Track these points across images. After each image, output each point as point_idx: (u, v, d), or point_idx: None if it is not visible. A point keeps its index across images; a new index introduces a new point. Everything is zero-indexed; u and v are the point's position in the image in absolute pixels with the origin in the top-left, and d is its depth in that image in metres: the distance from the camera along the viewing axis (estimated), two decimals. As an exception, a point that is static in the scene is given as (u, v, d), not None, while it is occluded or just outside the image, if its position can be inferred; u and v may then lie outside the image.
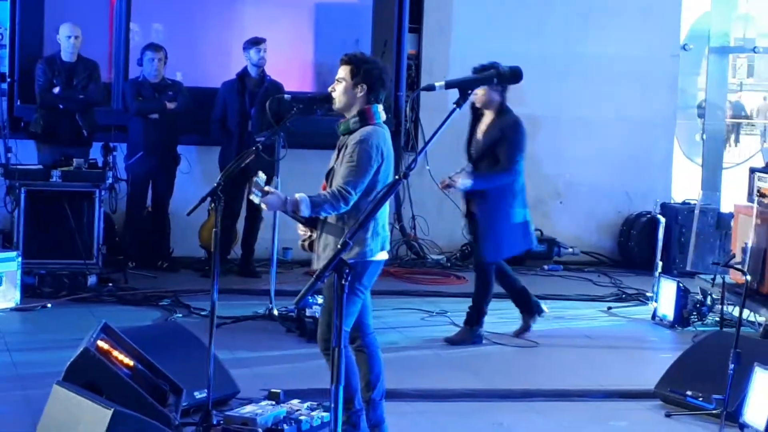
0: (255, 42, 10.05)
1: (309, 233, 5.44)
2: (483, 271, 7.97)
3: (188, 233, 10.28)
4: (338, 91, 5.36)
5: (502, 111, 7.80)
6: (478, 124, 7.85)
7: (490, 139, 7.70)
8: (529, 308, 8.22)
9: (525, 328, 8.22)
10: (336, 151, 5.38)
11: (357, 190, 5.20)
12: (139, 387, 5.40)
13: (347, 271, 3.68)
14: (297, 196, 5.20)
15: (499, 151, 7.66)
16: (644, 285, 9.92)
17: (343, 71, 5.35)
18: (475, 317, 7.98)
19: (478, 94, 7.70)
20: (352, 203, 5.20)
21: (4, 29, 10.28)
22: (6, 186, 9.32)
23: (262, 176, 5.36)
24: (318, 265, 5.36)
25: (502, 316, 9.03)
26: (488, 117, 7.82)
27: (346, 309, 5.22)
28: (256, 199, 5.26)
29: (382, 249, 5.35)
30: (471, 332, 7.98)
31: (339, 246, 3.68)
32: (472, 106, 7.81)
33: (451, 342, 7.95)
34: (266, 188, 5.27)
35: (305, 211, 5.18)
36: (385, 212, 5.44)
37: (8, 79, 10.29)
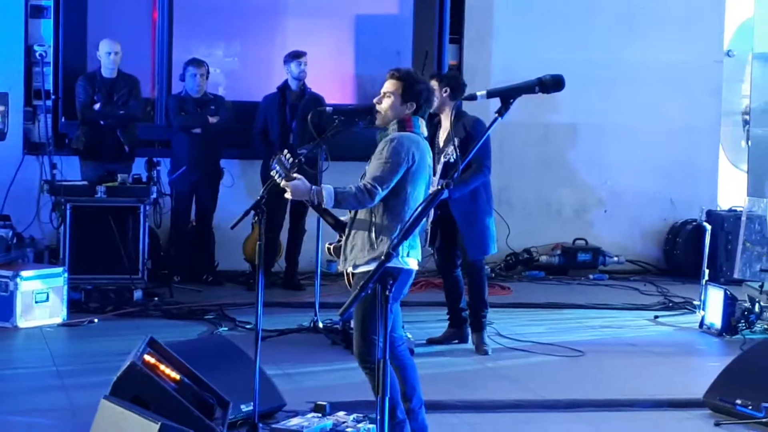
0: (295, 55, 10.08)
1: (338, 239, 5.41)
2: (476, 271, 7.98)
3: (232, 247, 10.31)
4: (385, 106, 5.33)
5: (460, 114, 7.85)
6: (438, 132, 7.88)
7: (459, 142, 7.69)
8: (459, 323, 8.20)
9: (444, 339, 8.21)
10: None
11: (383, 186, 5.16)
12: (186, 401, 5.42)
13: (391, 282, 3.67)
14: (323, 186, 5.17)
15: (470, 151, 7.60)
16: (691, 293, 9.84)
17: (393, 86, 5.31)
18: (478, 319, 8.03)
19: None
20: (378, 199, 5.16)
21: (48, 47, 10.38)
22: (52, 202, 9.40)
23: (288, 155, 5.30)
24: (344, 267, 5.34)
25: (550, 326, 9.01)
26: (446, 123, 7.87)
27: (375, 320, 5.15)
28: (277, 177, 5.19)
29: (409, 255, 5.25)
30: (480, 336, 8.02)
31: (383, 257, 3.66)
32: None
33: (483, 352, 7.94)
34: (293, 174, 5.23)
35: (329, 202, 5.14)
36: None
37: (52, 96, 10.39)
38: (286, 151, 5.34)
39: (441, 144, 7.86)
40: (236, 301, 9.38)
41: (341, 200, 5.16)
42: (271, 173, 5.24)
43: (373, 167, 5.22)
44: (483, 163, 7.78)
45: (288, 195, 5.24)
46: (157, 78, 10.70)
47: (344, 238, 5.35)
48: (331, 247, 5.45)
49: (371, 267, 4.95)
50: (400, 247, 5.12)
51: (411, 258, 5.27)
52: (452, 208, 7.77)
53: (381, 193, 5.16)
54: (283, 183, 5.21)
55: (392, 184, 5.19)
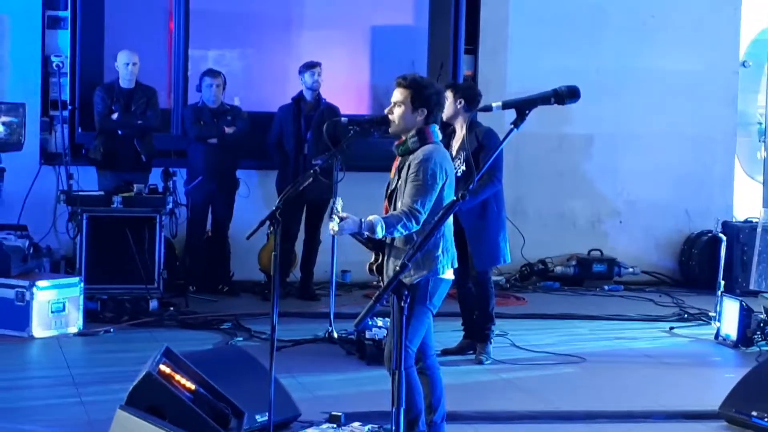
0: (309, 66, 10.11)
1: (377, 257, 5.44)
2: (482, 283, 7.98)
3: (248, 257, 10.32)
4: (396, 115, 5.36)
5: (473, 124, 7.87)
6: (451, 142, 7.89)
7: (471, 151, 7.70)
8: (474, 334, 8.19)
9: (459, 349, 8.20)
10: (396, 172, 5.39)
11: (425, 209, 5.21)
12: (201, 410, 5.43)
13: (406, 293, 3.68)
14: (371, 218, 5.20)
15: (482, 161, 7.66)
16: (706, 305, 9.81)
17: (401, 95, 5.34)
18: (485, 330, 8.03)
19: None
20: (422, 221, 5.21)
21: (65, 57, 10.42)
22: (68, 212, 9.43)
23: (340, 202, 5.37)
24: None
25: (565, 337, 8.99)
26: (459, 133, 7.87)
27: (416, 328, 5.23)
28: (335, 226, 5.24)
29: (452, 266, 5.37)
30: (483, 346, 8.03)
31: (398, 268, 3.67)
32: (443, 123, 7.85)
33: (478, 362, 7.95)
34: (342, 213, 5.28)
35: (380, 232, 5.19)
36: (451, 229, 5.44)
37: (69, 107, 10.42)
38: (339, 199, 5.38)
39: (454, 153, 7.86)
40: (251, 311, 9.39)
41: (390, 228, 5.20)
42: (331, 225, 5.27)
43: (411, 190, 5.24)
44: (494, 174, 7.77)
45: (334, 232, 5.24)
46: (173, 88, 10.72)
47: (385, 257, 5.38)
48: (374, 266, 5.47)
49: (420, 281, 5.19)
50: (441, 256, 5.24)
51: (449, 268, 5.36)
52: (461, 219, 7.77)
53: (424, 216, 5.22)
54: (337, 228, 5.21)
55: (432, 204, 5.23)
